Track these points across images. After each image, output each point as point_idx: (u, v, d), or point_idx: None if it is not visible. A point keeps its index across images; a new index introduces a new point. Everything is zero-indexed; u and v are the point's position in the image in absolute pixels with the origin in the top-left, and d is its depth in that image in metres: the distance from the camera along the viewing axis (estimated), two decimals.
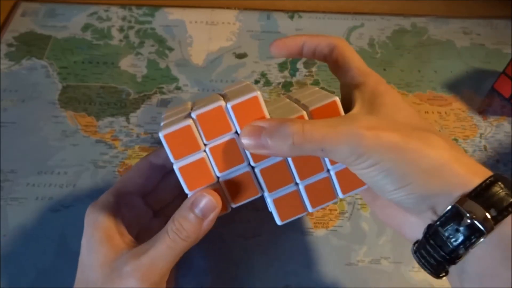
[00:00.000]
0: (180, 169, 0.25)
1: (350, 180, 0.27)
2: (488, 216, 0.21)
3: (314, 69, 0.46)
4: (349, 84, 0.27)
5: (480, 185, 0.22)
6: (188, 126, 0.25)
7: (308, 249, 0.35)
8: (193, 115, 0.25)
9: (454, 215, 0.22)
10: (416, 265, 0.34)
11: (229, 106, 0.25)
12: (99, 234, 0.27)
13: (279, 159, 0.26)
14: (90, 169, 0.39)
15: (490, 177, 0.22)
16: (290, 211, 0.27)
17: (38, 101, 0.43)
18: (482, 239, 0.21)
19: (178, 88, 0.44)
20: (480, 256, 0.21)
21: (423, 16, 0.51)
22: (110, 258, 0.26)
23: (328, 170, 0.27)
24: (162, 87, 0.44)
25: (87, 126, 0.41)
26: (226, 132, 0.25)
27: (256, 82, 0.45)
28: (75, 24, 0.49)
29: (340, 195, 0.27)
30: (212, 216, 0.25)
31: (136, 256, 0.25)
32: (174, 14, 0.51)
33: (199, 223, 0.25)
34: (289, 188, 0.27)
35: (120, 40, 0.48)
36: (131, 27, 0.49)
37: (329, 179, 0.27)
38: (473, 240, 0.21)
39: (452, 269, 0.23)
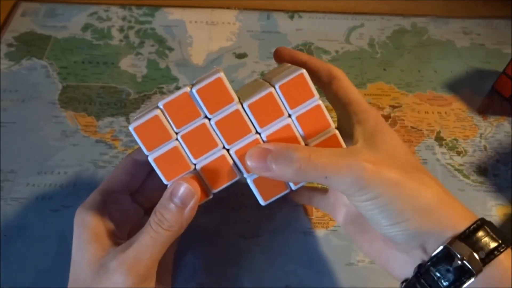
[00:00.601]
0: (155, 160, 0.25)
1: None
2: (477, 257, 0.22)
3: None
4: (349, 117, 0.28)
5: (469, 228, 0.23)
6: (156, 116, 0.25)
7: (308, 249, 0.35)
8: (160, 104, 0.25)
9: (445, 256, 0.23)
10: None
11: (194, 91, 0.25)
12: (87, 233, 0.27)
13: (252, 138, 0.26)
14: (90, 169, 0.39)
15: (477, 221, 0.23)
16: (272, 190, 0.27)
17: (38, 101, 0.43)
18: (472, 280, 0.22)
19: (178, 88, 0.44)
20: None
21: (423, 16, 0.51)
22: (98, 256, 0.26)
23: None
24: (162, 87, 0.44)
25: (87, 126, 0.41)
26: (195, 118, 0.25)
27: None
28: (75, 24, 0.49)
29: None
30: (192, 204, 0.25)
31: (122, 250, 0.26)
32: (174, 14, 0.51)
33: (179, 212, 0.25)
34: None
35: (120, 40, 0.48)
36: (131, 27, 0.49)
37: None
38: (463, 280, 0.22)
39: None
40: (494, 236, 0.23)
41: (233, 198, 0.37)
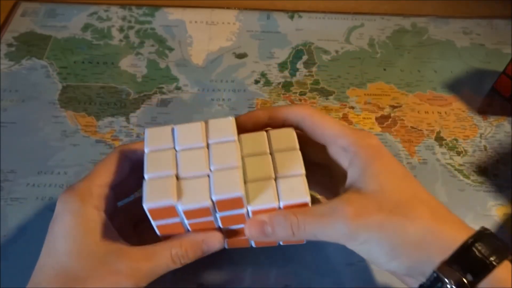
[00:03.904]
0: (158, 227, 0.27)
1: None
2: (465, 281, 0.23)
3: (314, 69, 0.46)
4: (336, 150, 0.29)
5: (457, 251, 0.24)
6: (173, 207, 0.26)
7: (308, 249, 0.35)
8: (179, 207, 0.26)
9: (436, 281, 0.24)
10: None
11: (214, 199, 0.26)
12: (82, 224, 0.27)
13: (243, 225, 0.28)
14: (90, 169, 0.38)
15: (467, 240, 0.24)
16: (237, 243, 0.31)
17: (38, 101, 0.43)
18: None
19: (178, 88, 0.44)
20: None
21: (423, 16, 0.51)
22: (93, 249, 0.26)
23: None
24: (162, 87, 0.44)
25: (87, 126, 0.41)
26: (207, 216, 0.27)
27: (256, 82, 0.45)
28: (75, 24, 0.49)
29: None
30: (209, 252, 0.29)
31: (134, 259, 0.26)
32: (174, 14, 0.51)
33: (201, 255, 0.28)
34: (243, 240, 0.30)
35: (120, 40, 0.48)
36: (131, 27, 0.49)
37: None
38: None
39: None
40: (483, 254, 0.24)
41: None
